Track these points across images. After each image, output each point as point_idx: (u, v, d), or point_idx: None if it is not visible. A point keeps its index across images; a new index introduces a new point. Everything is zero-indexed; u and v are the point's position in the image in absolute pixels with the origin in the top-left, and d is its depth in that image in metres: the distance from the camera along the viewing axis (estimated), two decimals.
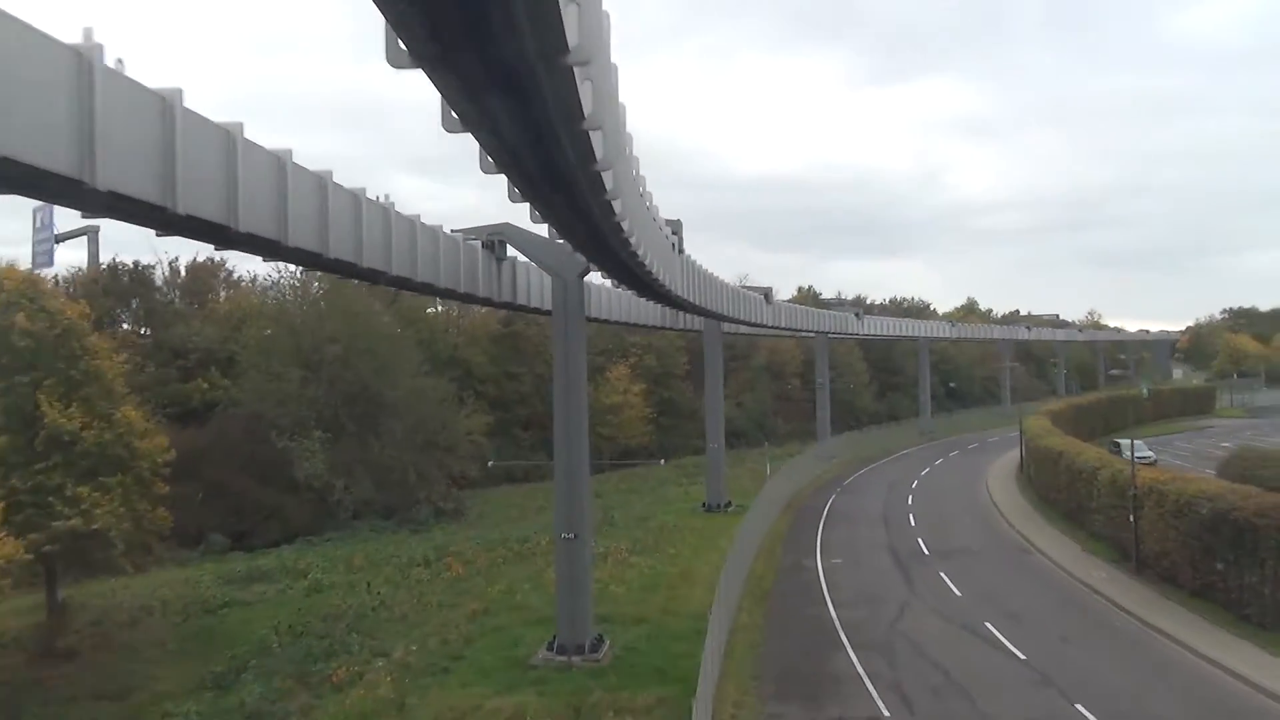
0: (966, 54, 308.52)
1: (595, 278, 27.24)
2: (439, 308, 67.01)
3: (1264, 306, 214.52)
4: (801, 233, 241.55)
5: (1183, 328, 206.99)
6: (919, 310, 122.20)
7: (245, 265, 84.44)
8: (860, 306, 65.91)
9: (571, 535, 23.85)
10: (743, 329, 58.80)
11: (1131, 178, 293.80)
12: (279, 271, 51.91)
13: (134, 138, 9.64)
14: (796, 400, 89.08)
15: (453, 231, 21.75)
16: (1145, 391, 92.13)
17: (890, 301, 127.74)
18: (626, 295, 34.56)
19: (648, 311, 39.97)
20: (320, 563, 37.15)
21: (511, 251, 24.88)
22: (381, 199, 17.21)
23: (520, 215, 18.44)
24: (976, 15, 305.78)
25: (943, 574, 31.41)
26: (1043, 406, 76.72)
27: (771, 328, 55.19)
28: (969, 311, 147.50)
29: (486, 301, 25.90)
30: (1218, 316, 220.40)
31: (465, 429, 58.06)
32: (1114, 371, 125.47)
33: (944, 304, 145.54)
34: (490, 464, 55.62)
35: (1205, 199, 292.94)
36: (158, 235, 12.26)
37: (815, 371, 68.72)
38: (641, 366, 75.12)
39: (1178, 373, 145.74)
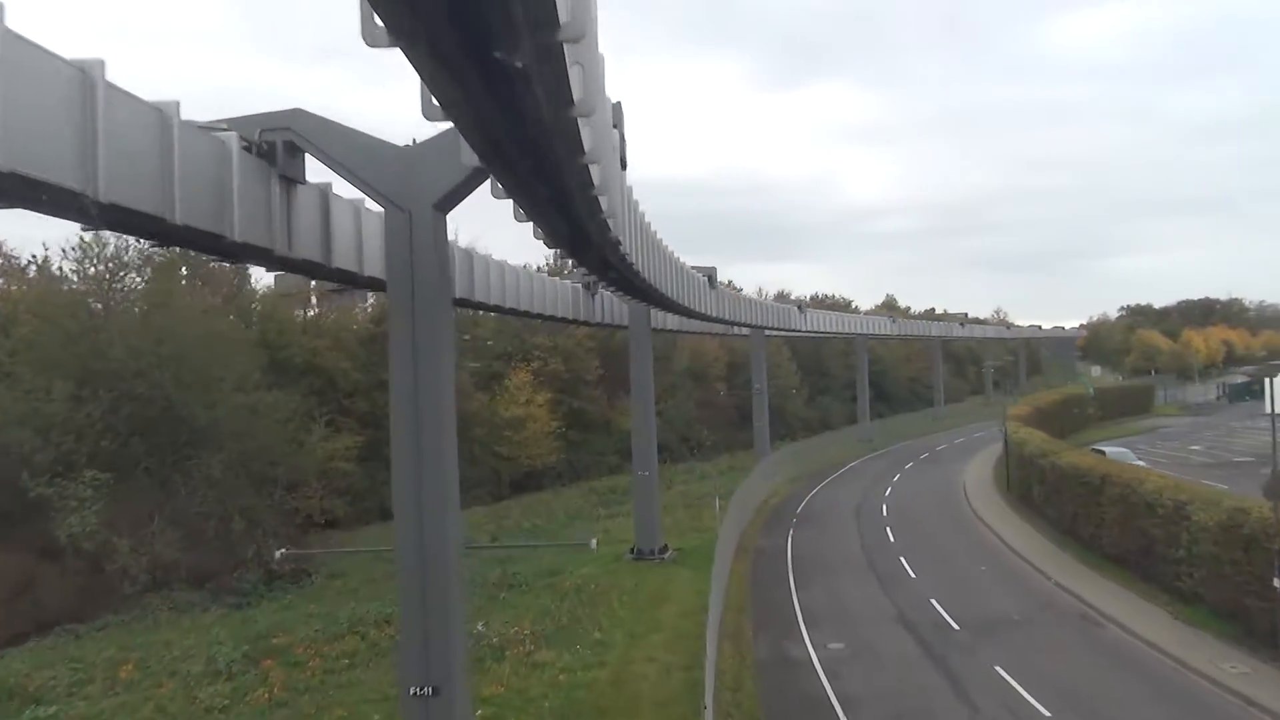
0: (858, 61, 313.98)
1: None
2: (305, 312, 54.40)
3: (1157, 304, 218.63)
4: (705, 237, 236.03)
5: (1072, 327, 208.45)
6: (843, 309, 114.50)
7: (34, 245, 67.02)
8: (799, 302, 56.33)
9: None
10: (670, 323, 48.33)
11: (1015, 183, 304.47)
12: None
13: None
14: (720, 407, 79.26)
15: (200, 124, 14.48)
16: (1091, 391, 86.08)
17: (811, 300, 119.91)
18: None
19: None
20: (66, 675, 24.64)
21: None
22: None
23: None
24: (866, 23, 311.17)
25: (999, 669, 21.28)
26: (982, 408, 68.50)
27: (707, 319, 44.76)
28: (890, 309, 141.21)
29: (246, 253, 14.04)
30: (1113, 315, 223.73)
31: (324, 455, 45.77)
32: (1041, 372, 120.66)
33: (861, 304, 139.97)
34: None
35: (1083, 205, 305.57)
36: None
37: (751, 374, 58.78)
38: (546, 372, 63.84)
39: (1096, 370, 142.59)
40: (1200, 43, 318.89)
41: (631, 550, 35.65)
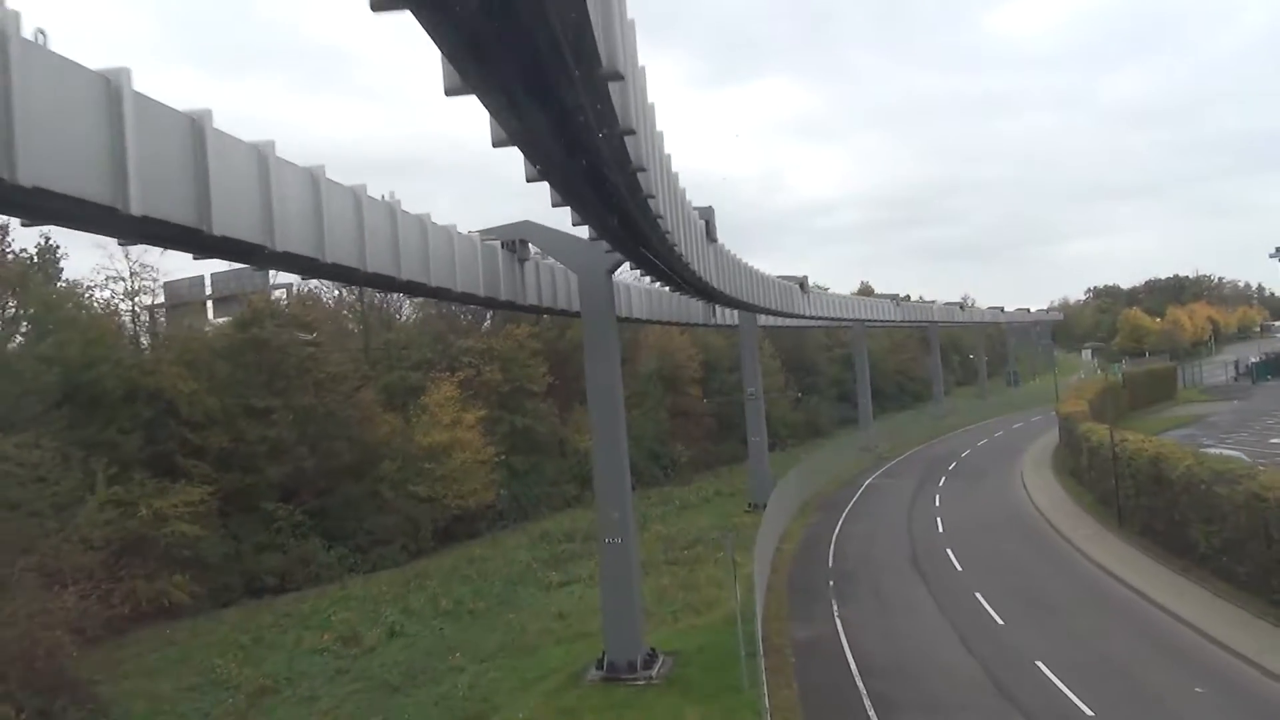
0: (797, 57, 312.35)
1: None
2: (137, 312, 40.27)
3: (1123, 285, 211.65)
4: None
5: (1038, 309, 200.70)
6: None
7: None
8: (799, 280, 43.61)
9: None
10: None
11: (962, 174, 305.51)
12: None
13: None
14: (695, 416, 66.24)
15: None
16: (1120, 376, 74.72)
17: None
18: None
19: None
20: None
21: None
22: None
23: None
24: (805, 18, 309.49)
25: None
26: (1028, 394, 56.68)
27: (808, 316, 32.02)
28: (866, 294, 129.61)
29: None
30: (1073, 298, 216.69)
31: (149, 516, 32.02)
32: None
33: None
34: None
35: (1027, 192, 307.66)
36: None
37: (742, 373, 45.74)
38: (479, 384, 50.27)
39: (1088, 353, 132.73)
40: (1130, 29, 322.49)
41: (599, 662, 22.39)
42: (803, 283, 43.16)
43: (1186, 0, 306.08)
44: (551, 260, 24.44)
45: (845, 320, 58.27)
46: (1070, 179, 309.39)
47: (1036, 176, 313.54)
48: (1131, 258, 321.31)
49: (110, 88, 8.53)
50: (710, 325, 45.70)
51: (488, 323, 59.09)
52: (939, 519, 38.00)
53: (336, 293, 53.16)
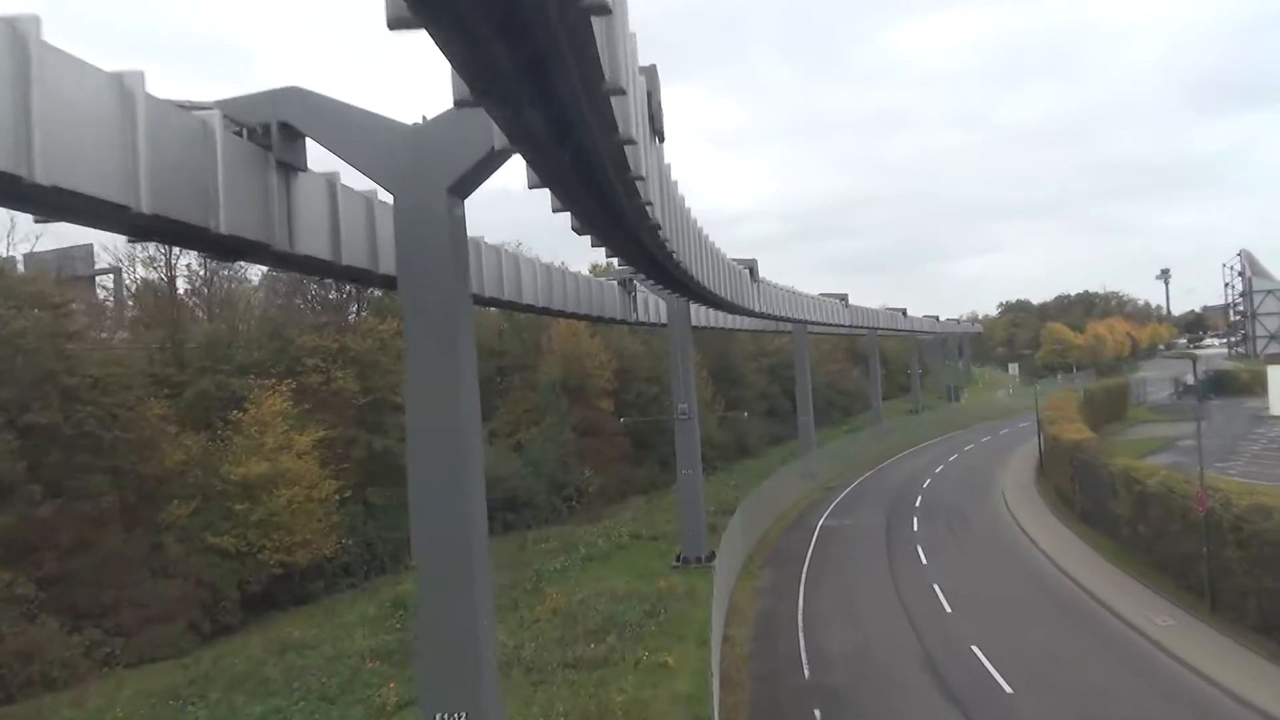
0: (708, 67, 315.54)
1: None
2: None
3: (1035, 300, 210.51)
4: (565, 249, 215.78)
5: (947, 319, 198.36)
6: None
7: None
8: (749, 265, 33.16)
9: None
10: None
11: (863, 188, 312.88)
12: None
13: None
14: (607, 433, 55.30)
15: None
16: (1081, 393, 67.33)
17: None
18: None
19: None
20: None
21: None
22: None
23: None
24: (717, 30, 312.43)
25: None
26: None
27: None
28: None
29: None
30: (981, 312, 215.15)
31: None
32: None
33: None
34: None
35: (932, 207, 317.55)
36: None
37: (674, 388, 34.81)
38: (324, 393, 38.27)
39: (1014, 368, 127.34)
40: (1027, 53, 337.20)
41: None
42: (752, 268, 32.76)
43: (1082, 27, 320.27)
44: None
45: (791, 319, 48.28)
46: (968, 196, 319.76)
47: (937, 193, 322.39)
48: (1024, 274, 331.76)
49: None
50: (629, 323, 35.21)
51: (354, 315, 47.17)
52: (939, 590, 27.89)
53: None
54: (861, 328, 69.21)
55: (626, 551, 37.60)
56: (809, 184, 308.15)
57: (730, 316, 43.67)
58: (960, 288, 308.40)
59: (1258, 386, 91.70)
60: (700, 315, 41.34)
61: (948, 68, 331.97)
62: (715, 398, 63.84)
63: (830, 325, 57.74)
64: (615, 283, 32.55)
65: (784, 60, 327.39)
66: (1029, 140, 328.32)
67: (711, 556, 33.09)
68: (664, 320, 36.06)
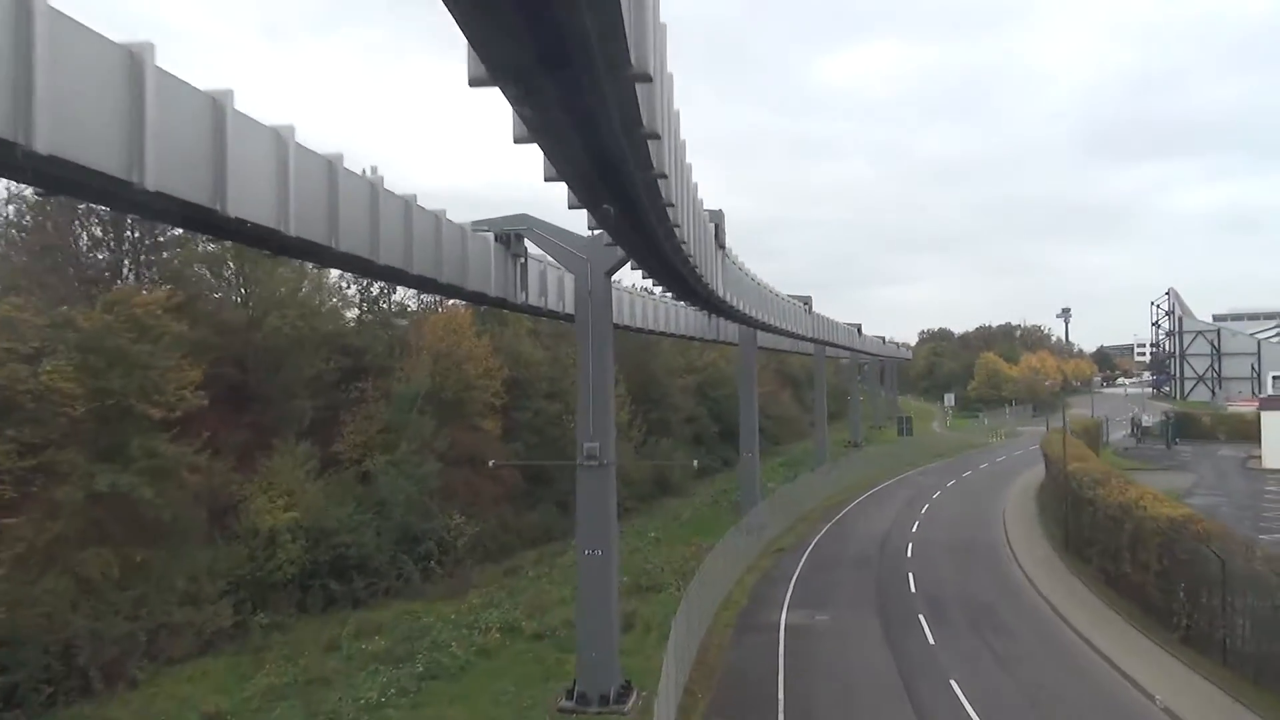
0: None
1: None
2: None
3: (956, 330, 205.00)
4: None
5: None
6: None
7: None
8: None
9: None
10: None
11: (784, 213, 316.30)
12: None
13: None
14: (486, 475, 41.37)
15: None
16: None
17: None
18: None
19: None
20: None
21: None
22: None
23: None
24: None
25: None
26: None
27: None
28: None
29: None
30: (912, 341, 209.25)
31: None
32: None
33: None
34: None
35: (844, 236, 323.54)
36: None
37: (579, 425, 21.52)
38: (16, 394, 23.76)
39: (949, 398, 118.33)
40: (945, 92, 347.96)
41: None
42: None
43: (996, 71, 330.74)
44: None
45: (743, 317, 35.84)
46: (885, 226, 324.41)
47: (855, 221, 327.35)
48: (935, 306, 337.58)
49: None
50: (514, 305, 22.78)
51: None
52: None
53: None
54: (820, 341, 57.20)
55: (493, 665, 24.16)
56: (730, 204, 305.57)
57: (656, 309, 31.41)
58: (876, 316, 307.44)
59: (1220, 431, 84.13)
60: (622, 310, 28.66)
61: (869, 100, 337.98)
62: (634, 421, 50.91)
63: (786, 333, 45.38)
64: (489, 236, 19.88)
65: (705, 80, 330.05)
66: (944, 176, 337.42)
67: (626, 691, 20.09)
68: (569, 310, 23.40)
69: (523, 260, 21.69)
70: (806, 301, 46.23)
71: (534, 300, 22.64)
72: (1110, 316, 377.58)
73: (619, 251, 19.81)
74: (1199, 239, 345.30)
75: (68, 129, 7.72)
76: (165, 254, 34.98)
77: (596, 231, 18.73)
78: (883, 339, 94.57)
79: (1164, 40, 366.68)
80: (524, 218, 20.93)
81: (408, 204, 15.65)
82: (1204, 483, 55.31)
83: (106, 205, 11.41)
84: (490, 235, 19.98)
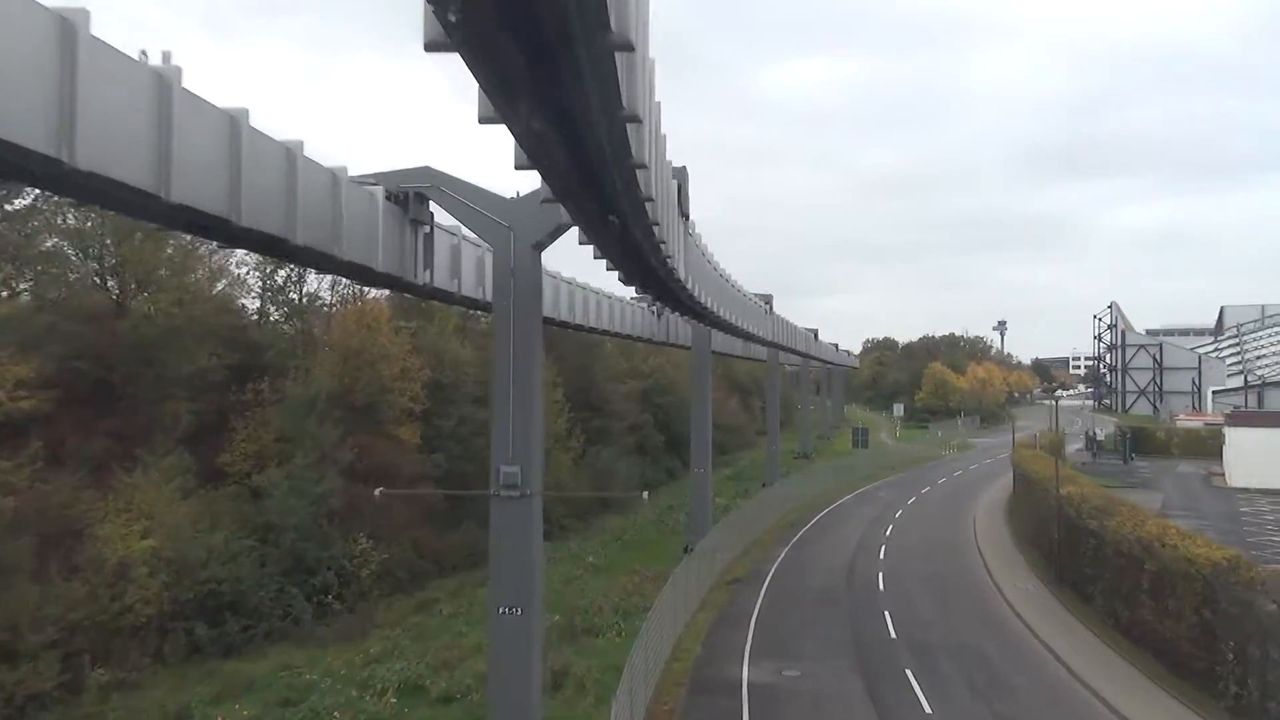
0: None
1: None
2: None
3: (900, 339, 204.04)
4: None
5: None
6: None
7: None
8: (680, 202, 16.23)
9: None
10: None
11: (731, 219, 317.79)
12: None
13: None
14: (408, 478, 36.04)
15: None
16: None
17: None
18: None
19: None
20: None
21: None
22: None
23: None
24: None
25: None
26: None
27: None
28: None
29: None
30: (855, 350, 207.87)
31: None
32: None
33: None
34: None
35: (787, 244, 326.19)
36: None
37: (492, 448, 16.58)
38: None
39: (899, 408, 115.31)
40: (887, 105, 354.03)
41: None
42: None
43: (937, 88, 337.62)
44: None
45: (702, 312, 31.31)
46: (829, 236, 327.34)
47: (799, 230, 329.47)
48: (876, 317, 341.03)
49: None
50: (413, 287, 17.65)
51: None
52: None
53: None
54: (778, 345, 52.89)
55: None
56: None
57: (599, 306, 26.71)
58: (818, 325, 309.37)
59: (1175, 446, 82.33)
60: (559, 304, 23.92)
61: (813, 110, 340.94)
62: (573, 430, 46.01)
63: (746, 335, 40.92)
64: (377, 191, 14.88)
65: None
66: (887, 188, 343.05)
67: None
68: (487, 297, 18.42)
69: (427, 229, 16.43)
70: (768, 300, 41.77)
71: (441, 282, 17.22)
72: (1044, 330, 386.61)
73: (555, 218, 15.61)
74: (1129, 256, 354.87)
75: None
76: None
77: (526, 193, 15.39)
78: (835, 346, 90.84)
79: (1099, 63, 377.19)
80: (428, 171, 15.96)
81: (241, 127, 10.96)
82: (1173, 502, 52.33)
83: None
84: (379, 191, 14.69)
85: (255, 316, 39.09)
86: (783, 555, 38.23)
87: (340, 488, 31.60)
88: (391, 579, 32.16)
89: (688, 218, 18.25)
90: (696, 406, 40.01)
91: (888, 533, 43.15)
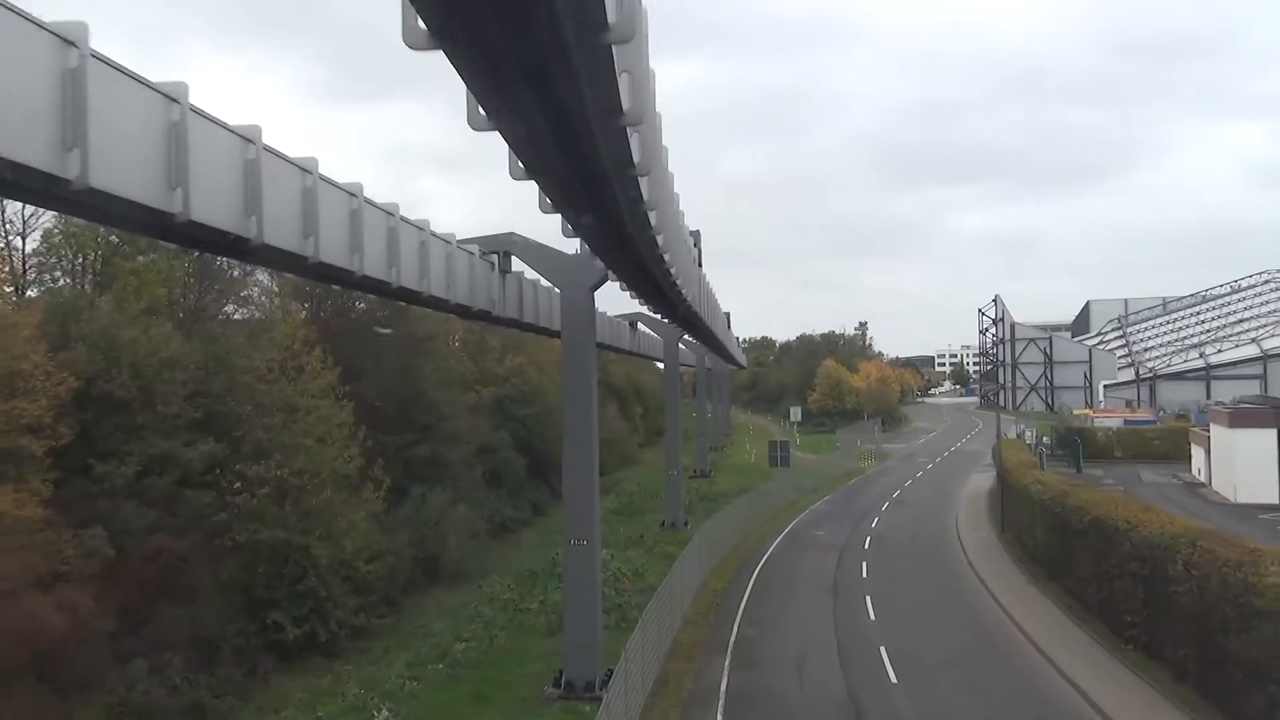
0: (422, 81, 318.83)
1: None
2: None
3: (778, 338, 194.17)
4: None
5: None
6: None
7: None
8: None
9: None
10: None
11: None
12: None
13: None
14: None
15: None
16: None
17: None
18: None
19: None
20: None
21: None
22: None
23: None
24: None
25: None
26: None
27: None
28: None
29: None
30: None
31: None
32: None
33: None
34: None
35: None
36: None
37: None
38: None
39: (796, 411, 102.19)
40: (748, 110, 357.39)
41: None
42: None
43: (796, 92, 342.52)
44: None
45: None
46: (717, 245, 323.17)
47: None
48: (742, 321, 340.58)
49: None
50: None
51: None
52: None
53: None
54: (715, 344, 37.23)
55: None
56: (526, 214, 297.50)
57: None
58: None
59: (1117, 449, 71.93)
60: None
61: (675, 114, 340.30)
62: (370, 466, 28.90)
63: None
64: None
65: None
66: (749, 192, 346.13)
67: None
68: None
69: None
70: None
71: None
72: (902, 329, 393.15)
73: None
74: (980, 258, 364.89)
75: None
76: None
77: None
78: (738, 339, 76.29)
79: (946, 71, 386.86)
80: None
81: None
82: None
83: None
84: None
85: None
86: (726, 667, 22.38)
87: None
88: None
89: None
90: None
91: (870, 611, 28.05)
